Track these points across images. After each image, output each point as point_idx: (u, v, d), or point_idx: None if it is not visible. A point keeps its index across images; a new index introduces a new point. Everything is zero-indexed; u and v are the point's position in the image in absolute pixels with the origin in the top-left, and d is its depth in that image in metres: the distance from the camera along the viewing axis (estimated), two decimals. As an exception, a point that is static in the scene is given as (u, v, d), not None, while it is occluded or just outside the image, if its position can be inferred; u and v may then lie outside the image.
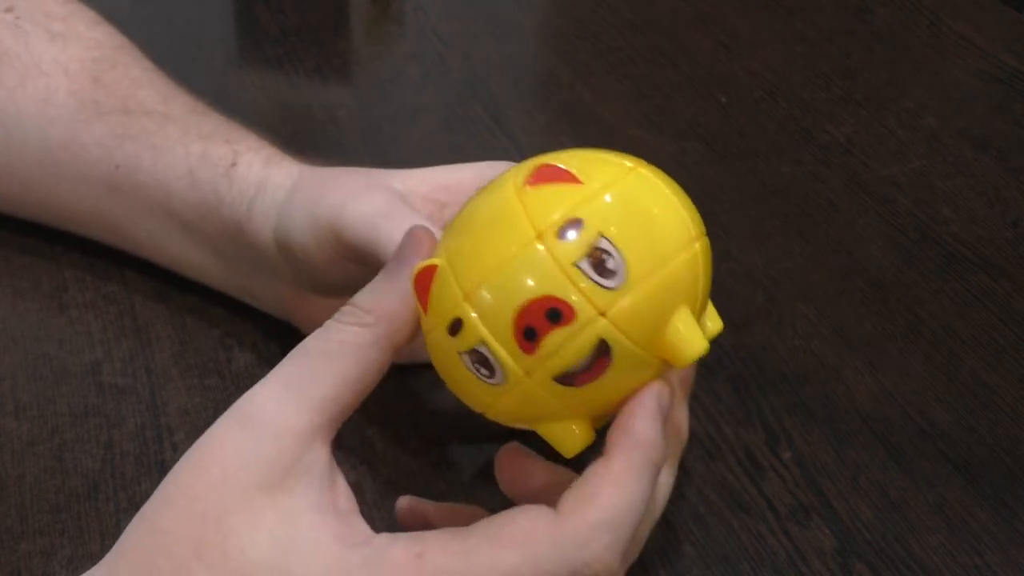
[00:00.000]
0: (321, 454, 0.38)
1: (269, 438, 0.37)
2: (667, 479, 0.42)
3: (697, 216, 0.40)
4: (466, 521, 0.39)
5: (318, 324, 0.54)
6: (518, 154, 0.69)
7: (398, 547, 0.36)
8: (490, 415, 0.40)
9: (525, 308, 0.37)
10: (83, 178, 0.57)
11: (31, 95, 0.57)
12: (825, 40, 0.81)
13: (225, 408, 0.39)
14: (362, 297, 0.40)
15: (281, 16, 0.82)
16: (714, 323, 0.42)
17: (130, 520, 0.39)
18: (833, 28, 0.83)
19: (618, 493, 0.37)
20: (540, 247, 0.37)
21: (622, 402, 0.39)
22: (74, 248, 0.61)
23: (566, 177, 0.38)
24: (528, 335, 0.37)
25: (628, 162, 0.40)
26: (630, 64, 0.79)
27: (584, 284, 0.37)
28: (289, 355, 0.39)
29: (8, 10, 0.59)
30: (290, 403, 0.38)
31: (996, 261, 0.62)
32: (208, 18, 0.83)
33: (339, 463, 0.40)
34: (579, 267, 0.37)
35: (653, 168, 0.41)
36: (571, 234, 0.37)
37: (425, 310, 0.39)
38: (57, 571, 0.46)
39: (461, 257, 0.38)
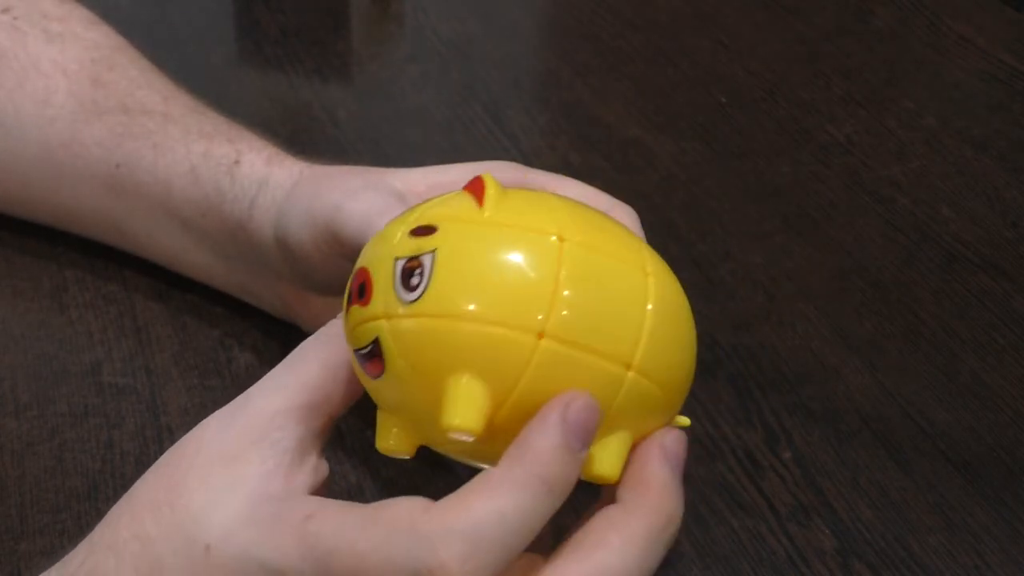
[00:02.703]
0: (291, 432, 0.38)
1: (244, 417, 0.38)
2: (651, 553, 0.36)
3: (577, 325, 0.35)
4: None
5: (319, 322, 0.54)
6: (518, 154, 0.69)
7: (299, 506, 0.36)
8: None
9: (361, 270, 0.37)
10: (83, 178, 0.57)
11: (30, 96, 0.57)
12: (825, 40, 0.81)
13: (225, 408, 0.40)
14: None
15: (281, 16, 0.82)
16: (608, 463, 0.36)
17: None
18: (833, 28, 0.83)
19: (486, 503, 0.33)
20: (399, 234, 0.36)
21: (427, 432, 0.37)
22: (74, 248, 0.61)
23: (479, 195, 0.36)
24: (349, 297, 0.37)
25: (579, 235, 0.36)
26: (630, 64, 0.79)
27: (385, 281, 0.35)
28: None
29: (5, 11, 0.59)
30: (269, 386, 0.39)
31: (996, 261, 0.62)
32: (208, 18, 0.83)
33: (339, 463, 0.41)
34: (395, 264, 0.35)
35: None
36: (418, 233, 0.36)
37: None
38: (57, 571, 0.46)
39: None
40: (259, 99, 0.74)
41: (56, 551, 0.47)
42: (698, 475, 0.51)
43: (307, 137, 0.70)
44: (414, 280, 0.35)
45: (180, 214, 0.55)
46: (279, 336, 0.56)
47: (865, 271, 0.62)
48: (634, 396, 0.36)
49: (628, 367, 0.35)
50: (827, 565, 0.47)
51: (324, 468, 0.40)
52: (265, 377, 0.40)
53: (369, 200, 0.47)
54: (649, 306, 0.36)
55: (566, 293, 0.35)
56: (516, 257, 0.35)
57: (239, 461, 0.38)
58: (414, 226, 0.36)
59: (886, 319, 0.59)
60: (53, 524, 0.48)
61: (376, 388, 0.37)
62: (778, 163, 0.70)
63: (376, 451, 0.52)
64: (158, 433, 0.52)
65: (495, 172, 0.49)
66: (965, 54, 0.79)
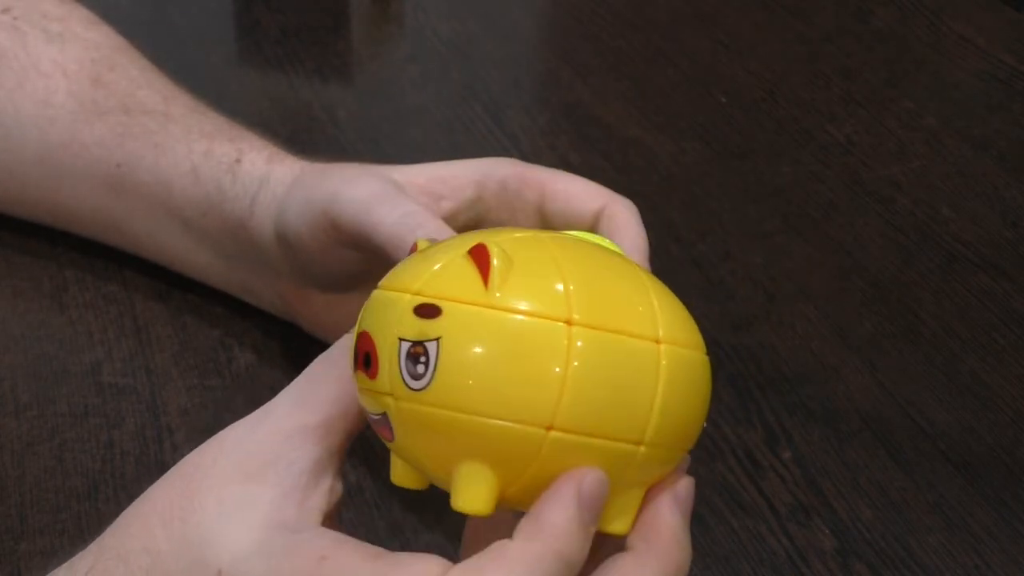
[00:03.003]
0: (307, 453, 0.38)
1: (261, 434, 0.38)
2: None
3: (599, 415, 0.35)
4: (492, 530, 0.39)
5: (320, 320, 0.54)
6: (518, 154, 0.69)
7: (313, 544, 0.36)
8: None
9: (362, 336, 0.36)
10: (84, 177, 0.57)
11: (30, 96, 0.57)
12: (825, 40, 0.81)
13: (225, 408, 0.40)
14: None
15: (281, 16, 0.82)
16: (620, 520, 0.37)
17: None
18: (833, 28, 0.83)
19: None
20: (403, 300, 0.35)
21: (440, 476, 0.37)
22: (74, 248, 0.61)
23: (484, 270, 0.35)
24: (356, 359, 0.36)
25: (598, 320, 0.35)
26: (630, 64, 0.79)
27: (392, 361, 0.35)
28: None
29: (5, 11, 0.59)
30: (287, 401, 0.39)
31: (996, 261, 0.62)
32: (208, 18, 0.83)
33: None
34: (400, 344, 0.35)
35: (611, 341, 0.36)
36: (422, 314, 0.35)
37: None
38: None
39: (409, 259, 0.37)
40: (259, 99, 0.74)
41: (56, 551, 0.47)
42: (698, 475, 0.51)
43: (307, 137, 0.70)
44: (419, 368, 0.34)
45: (181, 214, 0.55)
46: (279, 336, 0.56)
47: (865, 271, 0.62)
48: (646, 464, 0.36)
49: (639, 444, 0.35)
50: (827, 565, 0.47)
51: (339, 489, 0.39)
52: (284, 392, 0.39)
53: (366, 186, 0.47)
54: (660, 379, 0.36)
55: (575, 385, 0.34)
56: (524, 350, 0.34)
57: (254, 481, 0.37)
58: (418, 301, 0.35)
59: (886, 319, 0.59)
60: (53, 524, 0.48)
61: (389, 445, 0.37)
62: (778, 163, 0.70)
63: (376, 451, 0.52)
64: (158, 433, 0.52)
65: (495, 168, 0.49)
66: (965, 54, 0.79)
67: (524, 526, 0.35)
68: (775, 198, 0.67)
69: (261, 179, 0.52)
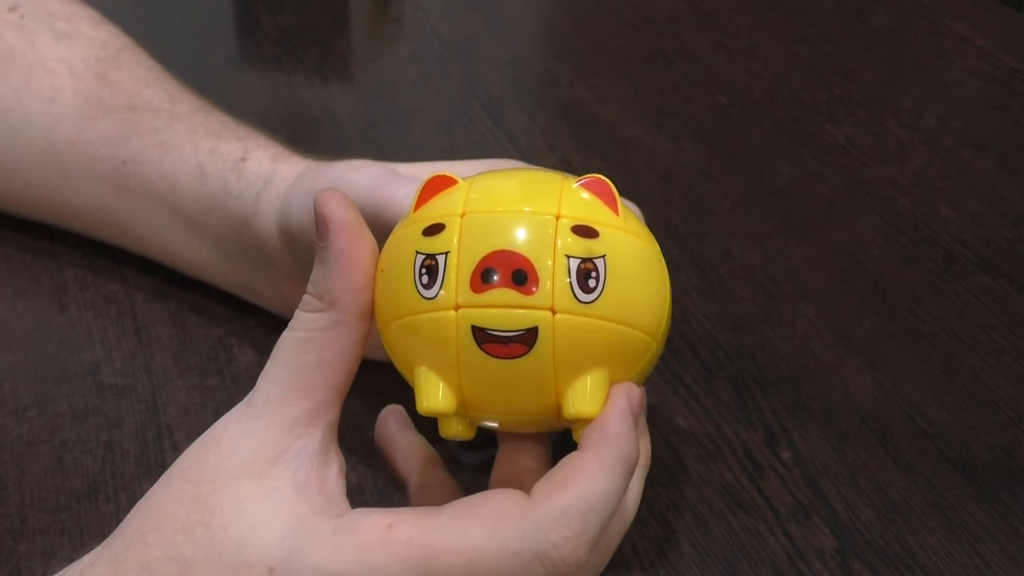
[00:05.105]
0: (312, 439, 0.39)
1: (261, 430, 0.39)
2: (637, 488, 0.43)
3: (666, 328, 0.42)
4: (438, 493, 0.42)
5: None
6: (518, 154, 0.69)
7: (371, 518, 0.38)
8: (389, 329, 0.40)
9: (501, 253, 0.38)
10: (89, 175, 0.57)
11: (36, 93, 0.58)
12: (825, 40, 0.81)
13: (225, 408, 0.40)
14: (311, 284, 0.41)
15: (281, 16, 0.82)
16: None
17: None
18: (833, 28, 0.83)
19: (590, 483, 0.38)
20: (553, 221, 0.39)
21: (496, 410, 0.41)
22: (75, 247, 0.61)
23: (611, 202, 0.40)
24: (485, 276, 0.38)
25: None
26: (630, 64, 0.79)
27: (560, 277, 0.38)
28: (274, 349, 0.41)
29: (12, 9, 0.59)
30: (278, 396, 0.40)
31: (996, 261, 0.62)
32: (208, 18, 0.83)
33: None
34: (568, 260, 0.38)
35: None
36: (582, 235, 0.39)
37: (415, 209, 0.41)
38: (57, 571, 0.46)
39: (484, 188, 0.40)
40: (259, 99, 0.74)
41: (56, 551, 0.47)
42: (698, 475, 0.51)
43: (307, 137, 0.70)
44: (591, 282, 0.38)
45: (185, 211, 0.55)
46: (280, 335, 0.56)
47: (865, 271, 0.62)
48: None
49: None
50: (827, 565, 0.47)
51: (342, 460, 0.41)
52: (266, 382, 0.40)
53: (370, 171, 0.48)
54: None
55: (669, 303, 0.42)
56: (655, 270, 0.41)
57: (268, 476, 0.38)
58: (572, 223, 0.39)
59: (886, 319, 0.59)
60: (53, 524, 0.48)
61: (476, 363, 0.39)
62: (778, 163, 0.70)
63: (376, 451, 0.52)
64: (158, 433, 0.52)
65: (495, 169, 0.50)
66: (965, 54, 0.79)
67: (595, 438, 0.39)
68: (775, 198, 0.67)
69: (266, 178, 0.53)
